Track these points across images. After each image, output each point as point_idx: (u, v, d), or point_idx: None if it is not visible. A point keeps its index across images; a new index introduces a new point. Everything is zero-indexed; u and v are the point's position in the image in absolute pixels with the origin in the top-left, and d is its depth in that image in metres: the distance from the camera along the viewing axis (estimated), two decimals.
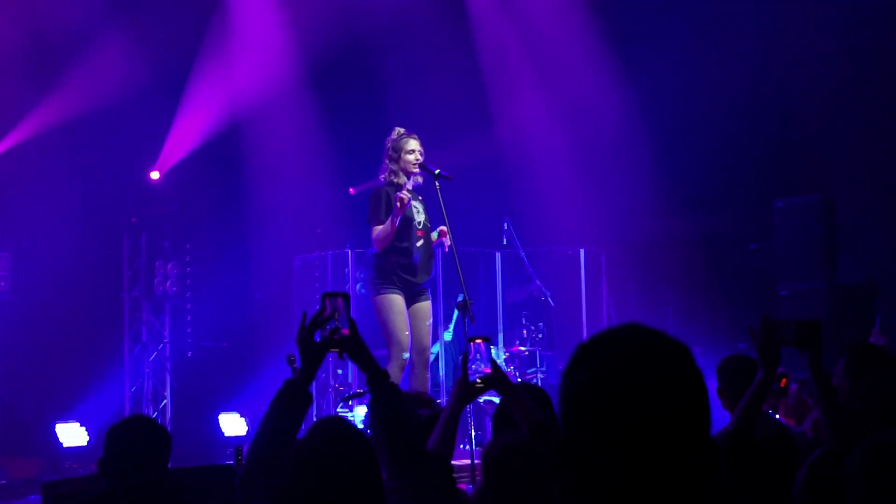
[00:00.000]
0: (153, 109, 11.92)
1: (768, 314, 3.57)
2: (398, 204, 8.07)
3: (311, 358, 3.28)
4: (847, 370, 4.75)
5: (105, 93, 11.46)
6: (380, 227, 8.27)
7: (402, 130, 8.52)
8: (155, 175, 12.01)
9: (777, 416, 5.70)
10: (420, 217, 8.45)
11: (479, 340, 3.70)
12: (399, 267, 8.30)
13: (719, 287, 13.36)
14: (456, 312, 10.49)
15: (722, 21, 12.84)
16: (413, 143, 8.44)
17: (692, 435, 1.69)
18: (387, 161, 8.48)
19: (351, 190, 13.10)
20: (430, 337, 8.62)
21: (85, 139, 11.47)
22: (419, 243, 8.40)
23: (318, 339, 3.27)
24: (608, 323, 11.90)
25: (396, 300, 8.27)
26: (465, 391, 3.69)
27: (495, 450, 3.28)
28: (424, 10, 13.22)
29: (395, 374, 7.99)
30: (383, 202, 8.30)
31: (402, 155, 8.41)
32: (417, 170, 8.43)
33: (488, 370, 3.67)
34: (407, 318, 8.28)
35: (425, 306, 8.47)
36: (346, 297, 3.29)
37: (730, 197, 13.29)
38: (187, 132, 12.20)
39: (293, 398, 3.22)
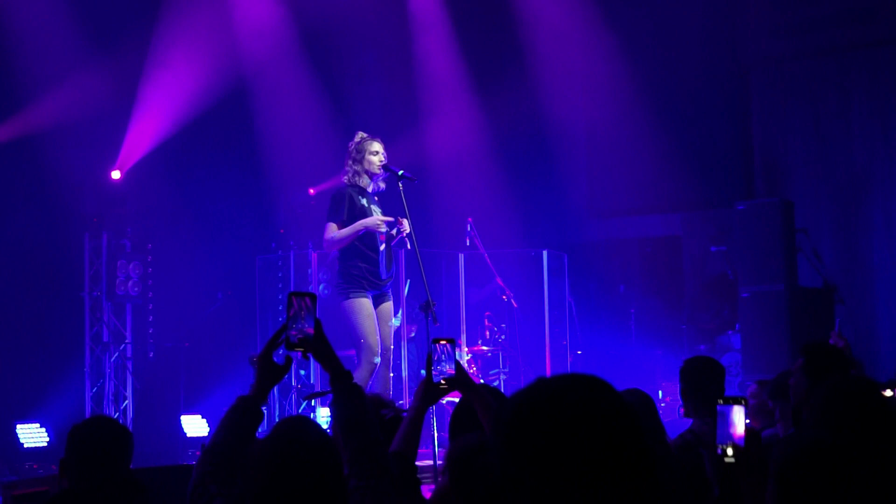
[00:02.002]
0: (113, 109, 11.85)
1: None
2: (372, 226, 8.15)
3: (267, 377, 3.29)
4: (805, 370, 4.81)
5: (64, 94, 11.38)
6: (336, 229, 8.28)
7: (364, 134, 8.56)
8: (116, 174, 11.93)
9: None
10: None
11: (443, 341, 3.71)
12: (366, 270, 8.31)
13: (680, 289, 13.46)
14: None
15: (683, 24, 12.92)
16: (376, 145, 8.47)
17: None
18: (350, 163, 8.50)
19: (311, 190, 13.07)
20: (392, 337, 8.65)
21: (46, 139, 11.38)
22: (381, 247, 8.42)
23: (277, 361, 3.29)
24: (570, 323, 11.95)
25: (365, 304, 8.27)
26: (429, 392, 3.71)
27: (459, 450, 3.30)
28: (389, 14, 13.25)
29: (363, 377, 7.98)
30: (346, 203, 8.31)
31: (366, 156, 8.43)
32: (381, 171, 8.45)
33: (452, 371, 3.69)
34: (376, 321, 8.28)
35: (388, 307, 8.51)
36: (312, 297, 3.31)
37: (691, 199, 13.39)
38: (146, 132, 12.13)
39: (244, 415, 3.23)
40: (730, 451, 3.22)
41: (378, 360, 8.18)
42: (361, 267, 8.30)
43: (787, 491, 2.38)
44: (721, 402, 3.25)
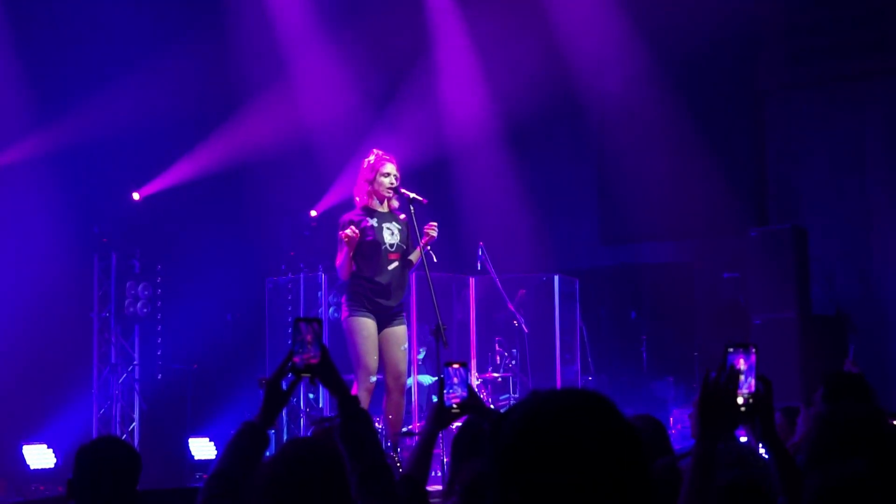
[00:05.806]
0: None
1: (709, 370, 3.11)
2: (345, 240, 8.06)
3: (274, 403, 3.28)
4: (826, 398, 4.74)
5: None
6: (340, 255, 8.23)
7: (378, 152, 8.44)
8: (136, 196, 11.92)
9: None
10: (393, 239, 8.32)
11: (456, 365, 3.68)
12: (369, 290, 8.21)
13: (692, 315, 13.39)
14: None
15: (698, 51, 12.91)
16: (389, 167, 8.34)
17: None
18: (362, 182, 8.42)
19: (313, 212, 13.01)
20: (406, 362, 8.50)
21: (64, 158, 11.37)
22: (391, 266, 8.30)
23: (284, 387, 3.28)
24: (581, 349, 11.90)
25: (366, 323, 8.16)
26: (441, 416, 3.67)
27: (472, 476, 3.27)
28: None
29: (361, 397, 7.87)
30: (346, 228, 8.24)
31: (377, 177, 8.32)
32: (391, 194, 8.36)
33: (465, 395, 3.66)
34: (377, 342, 8.18)
35: (399, 331, 8.33)
36: (319, 322, 3.31)
37: (703, 226, 13.34)
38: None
39: (250, 440, 3.22)
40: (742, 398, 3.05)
41: (374, 379, 8.08)
42: (365, 286, 8.22)
43: None
44: (731, 349, 3.09)
